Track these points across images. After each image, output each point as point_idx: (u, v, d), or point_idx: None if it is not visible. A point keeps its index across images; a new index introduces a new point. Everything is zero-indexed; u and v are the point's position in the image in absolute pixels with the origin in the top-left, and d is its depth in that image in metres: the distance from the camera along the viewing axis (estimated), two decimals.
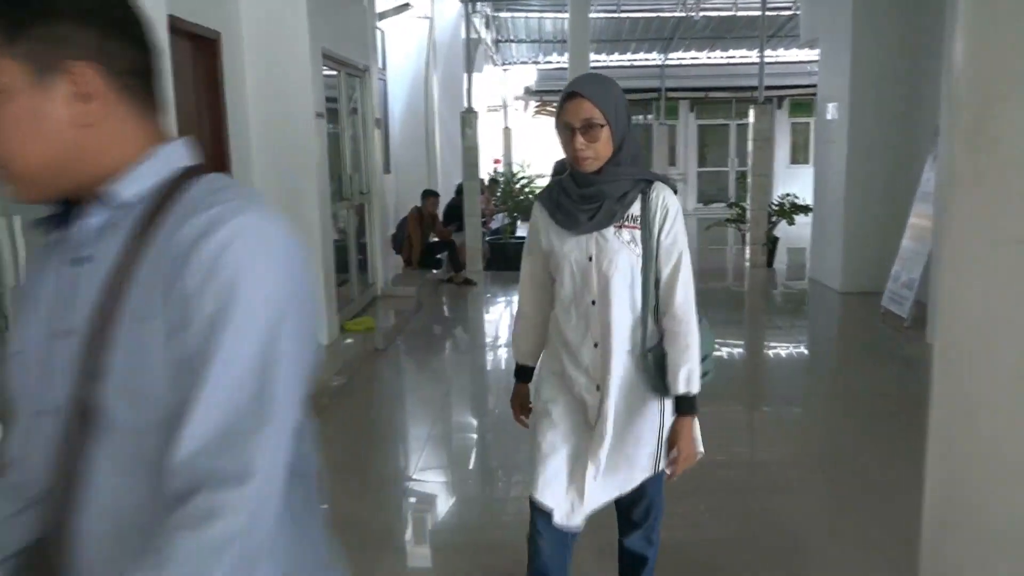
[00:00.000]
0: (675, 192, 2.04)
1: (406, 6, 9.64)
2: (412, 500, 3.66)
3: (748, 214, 9.79)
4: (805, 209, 9.59)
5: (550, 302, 2.17)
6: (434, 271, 9.04)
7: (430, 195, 9.37)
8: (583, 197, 1.99)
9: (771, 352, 6.49)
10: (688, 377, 2.01)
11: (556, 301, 2.12)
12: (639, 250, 1.98)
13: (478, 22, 13.55)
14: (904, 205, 7.05)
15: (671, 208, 2.00)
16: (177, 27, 4.11)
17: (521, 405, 2.34)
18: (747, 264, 9.75)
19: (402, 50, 10.29)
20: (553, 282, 2.14)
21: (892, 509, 3.33)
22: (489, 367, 6.13)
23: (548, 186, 2.15)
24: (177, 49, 3.90)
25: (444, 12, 11.99)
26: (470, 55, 10.63)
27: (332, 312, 5.87)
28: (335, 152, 6.53)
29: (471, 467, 4.07)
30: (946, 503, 1.62)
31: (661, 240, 2.00)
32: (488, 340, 7.06)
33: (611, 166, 1.96)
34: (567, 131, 1.95)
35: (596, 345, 2.04)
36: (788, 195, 10.10)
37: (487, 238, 10.16)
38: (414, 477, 3.88)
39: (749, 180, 9.78)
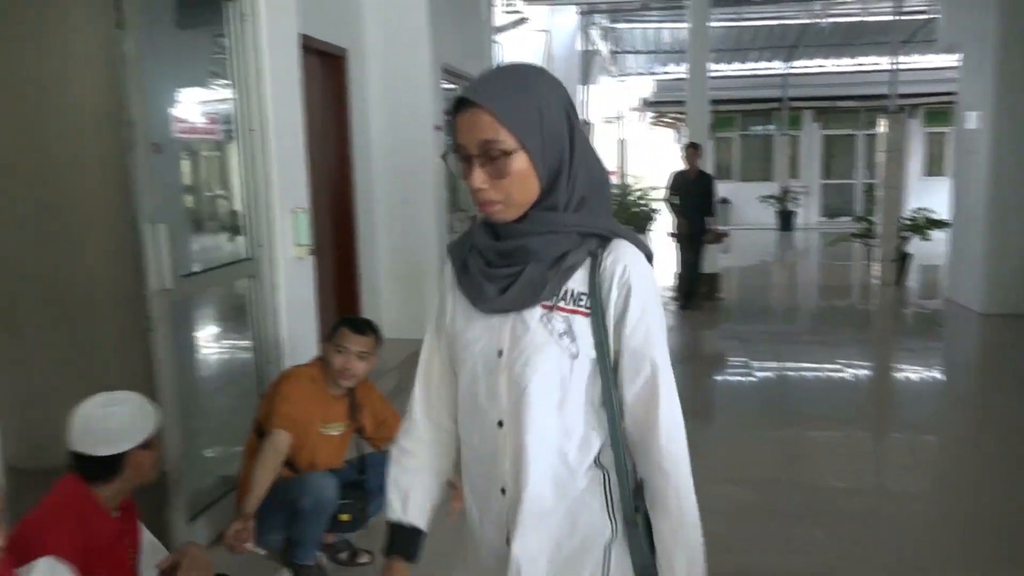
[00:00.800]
0: (650, 259, 1.27)
1: (523, 20, 9.75)
2: None
3: (877, 229, 9.30)
4: (941, 224, 9.01)
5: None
6: None
7: None
8: (500, 255, 1.25)
9: (902, 375, 6.11)
10: (690, 566, 1.25)
11: (458, 413, 1.37)
12: (576, 348, 1.22)
13: (595, 33, 13.54)
14: None
15: (636, 285, 1.22)
16: (308, 45, 4.31)
17: None
18: (875, 281, 9.25)
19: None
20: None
21: None
22: None
23: (466, 232, 1.37)
24: (308, 65, 4.08)
25: (561, 24, 12.05)
26: (586, 67, 10.62)
27: None
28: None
29: None
30: None
31: (624, 338, 1.23)
32: None
33: (541, 211, 1.22)
34: (463, 158, 1.22)
35: (503, 491, 1.28)
36: (922, 209, 9.52)
37: None
38: None
39: (879, 193, 9.28)
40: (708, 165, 8.29)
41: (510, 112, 1.16)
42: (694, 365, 6.33)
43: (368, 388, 2.94)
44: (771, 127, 17.82)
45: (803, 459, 4.17)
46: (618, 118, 17.31)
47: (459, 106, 1.20)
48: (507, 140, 1.16)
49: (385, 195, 5.64)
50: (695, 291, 7.98)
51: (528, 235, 1.22)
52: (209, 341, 3.59)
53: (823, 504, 3.57)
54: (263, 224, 3.35)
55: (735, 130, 18.22)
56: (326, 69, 5.02)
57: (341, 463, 2.91)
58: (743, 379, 5.75)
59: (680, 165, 8.04)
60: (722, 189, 10.21)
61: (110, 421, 1.91)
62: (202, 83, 3.44)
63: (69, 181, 2.73)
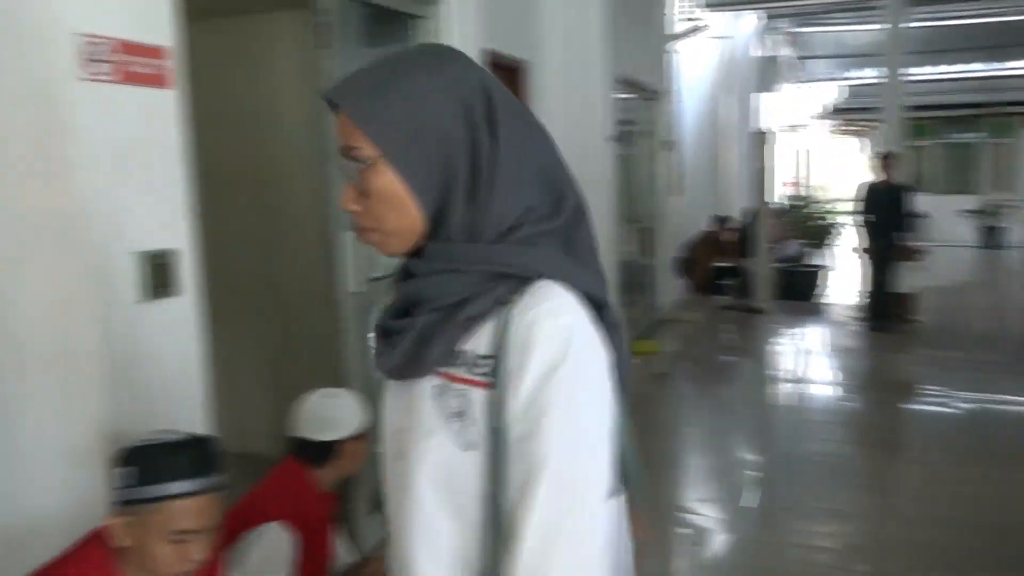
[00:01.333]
0: (602, 305, 0.93)
1: (699, 28, 9.52)
2: (682, 531, 3.54)
3: None
4: None
5: None
6: (721, 296, 8.80)
7: (721, 219, 9.24)
8: (401, 301, 0.96)
9: None
10: None
11: None
12: (471, 436, 0.88)
13: (777, 39, 13.01)
14: None
15: (541, 345, 0.85)
16: (490, 58, 4.42)
17: None
18: None
19: (696, 70, 10.18)
20: None
21: None
22: (776, 402, 5.78)
23: None
24: None
25: (741, 30, 11.66)
26: (766, 73, 10.22)
27: None
28: (627, 175, 6.61)
29: (749, 505, 3.85)
30: None
31: (510, 421, 0.86)
32: (776, 372, 6.67)
33: (439, 244, 0.92)
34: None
35: None
36: None
37: (778, 265, 9.65)
38: (687, 507, 3.76)
39: None
40: (902, 176, 7.70)
41: (367, 111, 0.90)
42: (882, 392, 5.88)
43: None
44: (977, 135, 16.28)
45: (1003, 502, 3.74)
46: (800, 126, 16.50)
47: (331, 108, 0.95)
48: (365, 147, 0.90)
49: None
50: (886, 312, 7.43)
51: (422, 275, 0.92)
52: None
53: (1017, 553, 3.19)
54: None
55: (933, 138, 16.82)
56: (507, 81, 5.13)
57: None
58: (937, 409, 5.26)
59: (870, 176, 7.53)
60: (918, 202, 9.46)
61: (330, 411, 2.13)
62: None
63: (277, 191, 2.96)
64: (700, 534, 3.51)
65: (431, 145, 0.89)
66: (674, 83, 8.41)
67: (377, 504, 3.05)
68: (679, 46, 9.08)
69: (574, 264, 0.92)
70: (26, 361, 1.69)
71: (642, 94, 6.92)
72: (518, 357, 0.85)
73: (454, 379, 0.90)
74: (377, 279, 3.13)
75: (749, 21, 11.85)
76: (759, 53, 12.52)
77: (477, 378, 0.88)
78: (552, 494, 0.82)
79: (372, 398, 3.00)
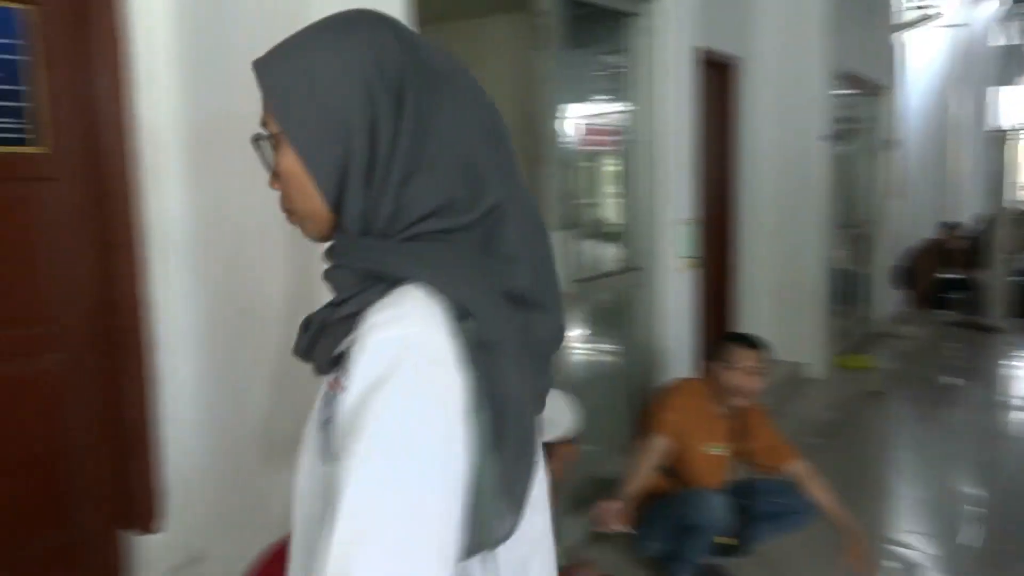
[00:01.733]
0: (467, 316, 0.74)
1: (929, 16, 8.76)
2: (891, 564, 3.27)
3: None
4: None
5: None
6: (946, 311, 8.07)
7: (949, 226, 8.52)
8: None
9: None
10: None
11: None
12: (334, 448, 0.77)
13: (1022, 25, 11.67)
14: None
15: (369, 359, 0.71)
16: (705, 57, 4.31)
17: None
18: None
19: (924, 63, 9.36)
20: None
21: None
22: (1006, 432, 5.20)
23: None
24: (701, 75, 4.08)
25: (978, 16, 10.57)
26: (1008, 64, 9.22)
27: (825, 345, 5.62)
28: (844, 176, 6.22)
29: (968, 544, 3.48)
30: None
31: (341, 434, 0.74)
32: (1009, 399, 5.99)
33: (337, 234, 0.84)
34: None
35: None
36: None
37: (1016, 279, 8.67)
38: (897, 539, 3.48)
39: None
40: None
41: (271, 84, 0.81)
42: None
43: (761, 414, 2.88)
44: None
45: None
46: None
47: None
48: (270, 123, 0.82)
49: (769, 208, 5.46)
50: None
51: (329, 269, 0.83)
52: (582, 342, 3.78)
53: None
54: (650, 234, 3.43)
55: None
56: (718, 79, 4.99)
57: (720, 485, 2.86)
58: None
59: None
60: None
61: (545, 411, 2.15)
62: (590, 98, 3.63)
63: None
64: (911, 570, 3.24)
65: (327, 124, 0.79)
66: (899, 77, 7.81)
67: (572, 506, 3.07)
68: (906, 36, 8.42)
69: (467, 267, 0.77)
70: (257, 330, 1.83)
71: (863, 89, 6.47)
72: (352, 368, 0.72)
73: (331, 385, 0.81)
74: (585, 280, 3.16)
75: (989, 7, 10.75)
76: (1000, 42, 11.34)
77: (343, 386, 0.76)
78: (344, 536, 0.65)
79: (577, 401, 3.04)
